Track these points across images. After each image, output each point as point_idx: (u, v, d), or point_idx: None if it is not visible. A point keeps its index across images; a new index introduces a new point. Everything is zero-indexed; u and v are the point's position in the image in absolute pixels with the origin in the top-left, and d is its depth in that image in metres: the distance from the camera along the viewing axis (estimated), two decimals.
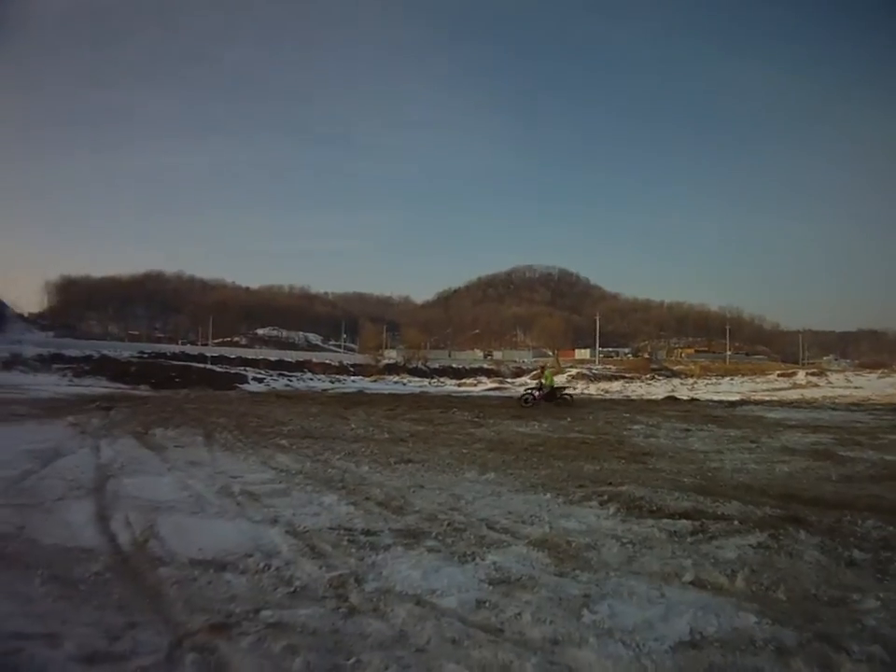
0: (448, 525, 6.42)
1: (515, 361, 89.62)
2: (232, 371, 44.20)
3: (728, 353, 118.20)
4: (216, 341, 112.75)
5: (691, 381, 59.25)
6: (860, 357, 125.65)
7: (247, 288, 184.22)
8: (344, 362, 66.12)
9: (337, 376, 52.84)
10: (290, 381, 43.90)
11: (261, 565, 5.05)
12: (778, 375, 63.61)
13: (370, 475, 9.22)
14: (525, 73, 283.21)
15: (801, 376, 58.58)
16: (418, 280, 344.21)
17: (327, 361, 64.53)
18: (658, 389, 43.20)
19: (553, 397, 25.23)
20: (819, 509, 7.27)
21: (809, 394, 36.62)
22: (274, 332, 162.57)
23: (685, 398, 32.59)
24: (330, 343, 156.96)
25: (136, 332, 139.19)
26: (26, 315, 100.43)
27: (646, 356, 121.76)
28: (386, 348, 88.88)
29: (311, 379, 47.33)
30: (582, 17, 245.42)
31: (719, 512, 7.07)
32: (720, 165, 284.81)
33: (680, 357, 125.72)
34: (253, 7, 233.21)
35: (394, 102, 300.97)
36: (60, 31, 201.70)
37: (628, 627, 3.97)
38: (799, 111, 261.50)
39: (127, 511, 6.64)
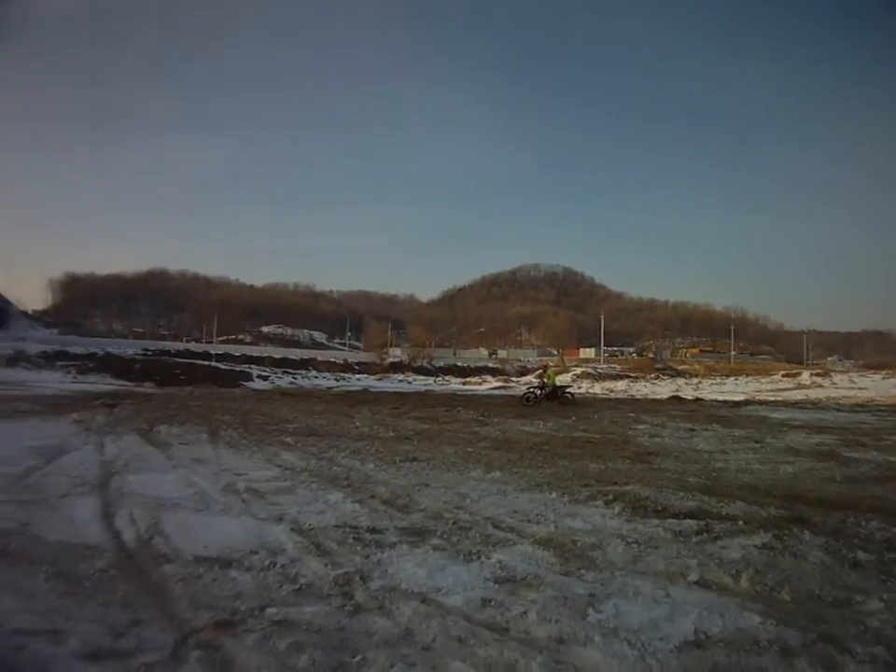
0: (453, 523, 6.42)
1: (520, 360, 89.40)
2: (237, 369, 44.38)
3: (732, 353, 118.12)
4: (220, 338, 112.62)
5: (695, 381, 59.44)
6: (864, 357, 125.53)
7: (252, 286, 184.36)
8: (349, 360, 66.11)
9: (342, 374, 53.03)
10: (295, 379, 44.08)
11: (266, 562, 5.04)
12: (783, 376, 63.70)
13: (375, 473, 9.22)
14: (528, 73, 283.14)
15: (805, 377, 58.64)
16: (423, 278, 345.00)
17: (332, 359, 64.51)
18: (663, 389, 43.29)
19: (555, 395, 25.27)
20: (823, 510, 7.26)
21: (813, 394, 36.62)
22: (279, 330, 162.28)
23: (690, 397, 32.64)
24: (335, 341, 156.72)
25: (141, 330, 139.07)
26: (30, 312, 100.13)
27: (650, 355, 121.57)
28: (391, 346, 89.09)
29: (316, 377, 47.51)
30: (583, 17, 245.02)
31: (723, 513, 7.06)
32: (720, 165, 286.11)
33: (685, 356, 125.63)
34: (255, 6, 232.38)
35: (397, 100, 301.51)
36: (61, 30, 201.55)
37: (633, 627, 3.97)
38: (800, 111, 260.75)
39: (131, 508, 6.63)
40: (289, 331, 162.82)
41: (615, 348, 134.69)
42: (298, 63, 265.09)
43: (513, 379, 54.92)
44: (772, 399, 32.77)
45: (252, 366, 48.57)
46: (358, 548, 5.52)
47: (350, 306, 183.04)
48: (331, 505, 7.12)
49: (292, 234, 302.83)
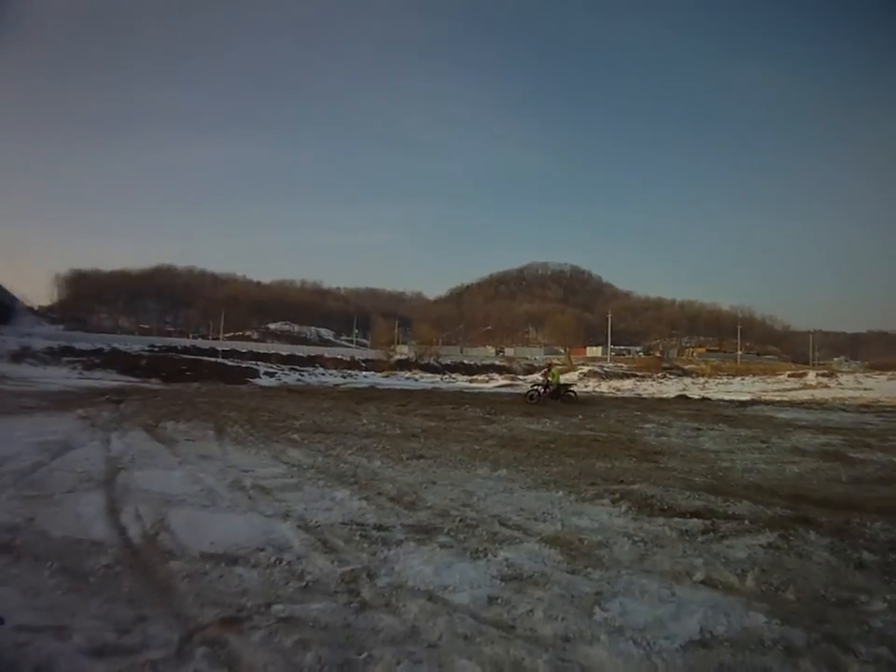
0: (460, 521, 6.44)
1: (527, 358, 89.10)
2: (244, 366, 44.40)
3: (739, 352, 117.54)
4: (227, 335, 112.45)
5: (702, 380, 59.18)
6: (870, 358, 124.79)
7: (259, 283, 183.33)
8: (356, 357, 65.94)
9: (349, 371, 52.84)
10: (302, 376, 43.99)
11: (273, 559, 5.07)
12: (789, 376, 63.36)
13: (382, 470, 9.25)
14: (533, 72, 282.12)
15: (811, 377, 58.33)
16: (431, 276, 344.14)
17: (338, 356, 64.32)
18: (669, 388, 43.13)
19: (558, 394, 25.31)
20: (828, 510, 7.27)
21: (819, 395, 36.43)
22: (286, 327, 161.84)
23: (696, 397, 32.51)
24: (342, 338, 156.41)
25: (147, 326, 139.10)
26: (36, 308, 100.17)
27: (657, 354, 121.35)
28: (398, 344, 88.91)
29: (322, 374, 47.36)
30: (583, 16, 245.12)
31: (729, 512, 7.08)
32: (723, 165, 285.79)
33: (692, 355, 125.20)
34: (258, 4, 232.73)
35: (402, 99, 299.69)
36: (69, 25, 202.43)
37: (639, 625, 3.99)
38: (800, 110, 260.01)
39: (137, 504, 6.66)
40: (296, 328, 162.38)
41: (622, 347, 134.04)
42: (300, 62, 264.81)
43: (520, 377, 54.70)
44: (778, 399, 32.66)
45: (259, 363, 48.52)
46: (365, 545, 5.54)
47: (357, 303, 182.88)
48: (338, 502, 7.14)
49: (300, 231, 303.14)
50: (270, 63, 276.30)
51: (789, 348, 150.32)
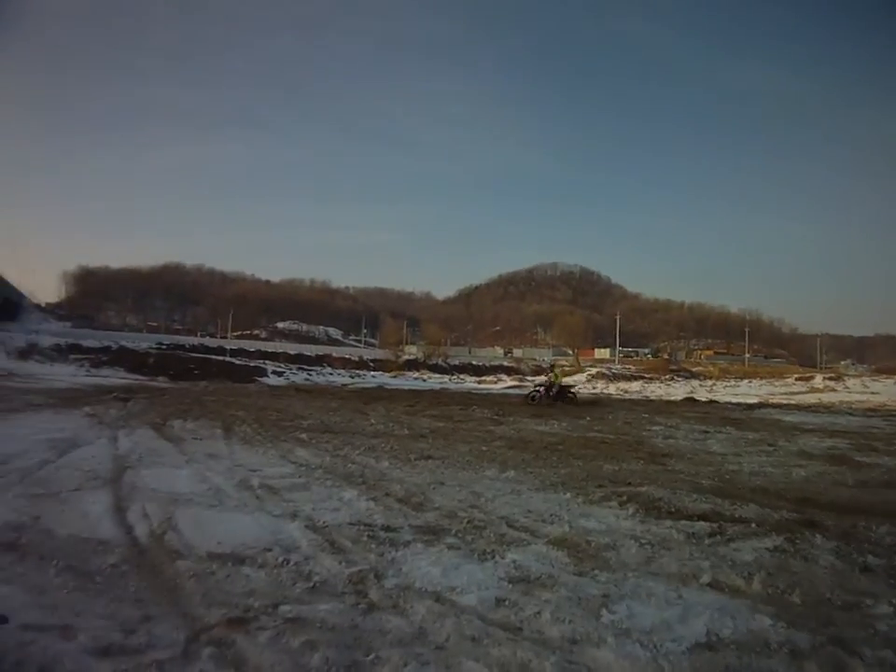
0: (468, 522, 6.46)
1: (535, 359, 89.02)
2: (252, 364, 44.31)
3: (747, 355, 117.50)
4: (235, 334, 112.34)
5: (709, 382, 59.01)
6: (877, 361, 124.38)
7: (268, 282, 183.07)
8: (364, 357, 65.90)
9: (357, 371, 52.74)
10: (310, 375, 43.92)
11: (280, 559, 5.09)
12: (796, 379, 63.21)
13: (389, 471, 9.27)
14: (533, 72, 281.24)
15: (818, 380, 58.19)
16: (440, 276, 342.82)
17: (347, 356, 64.26)
18: (677, 390, 42.99)
19: (562, 395, 25.32)
20: (834, 513, 7.29)
21: (826, 398, 36.31)
22: (295, 326, 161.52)
23: (704, 399, 32.41)
24: (351, 337, 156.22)
25: (155, 324, 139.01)
26: (43, 305, 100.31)
27: (665, 356, 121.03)
28: (407, 344, 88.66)
29: (331, 373, 47.25)
30: (585, 16, 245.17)
31: (736, 515, 7.10)
32: (720, 166, 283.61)
33: (700, 358, 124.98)
34: (267, 2, 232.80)
35: (401, 100, 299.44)
36: (70, 24, 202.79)
37: (646, 628, 4.01)
38: (802, 110, 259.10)
39: (144, 503, 6.69)
40: (305, 327, 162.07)
41: (630, 349, 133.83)
42: (304, 60, 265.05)
43: (528, 378, 54.48)
44: (785, 402, 32.57)
45: (267, 362, 48.49)
46: (373, 546, 5.56)
47: (366, 303, 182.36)
48: (346, 502, 7.16)
49: (309, 230, 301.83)
50: (276, 64, 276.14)
51: (796, 351, 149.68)
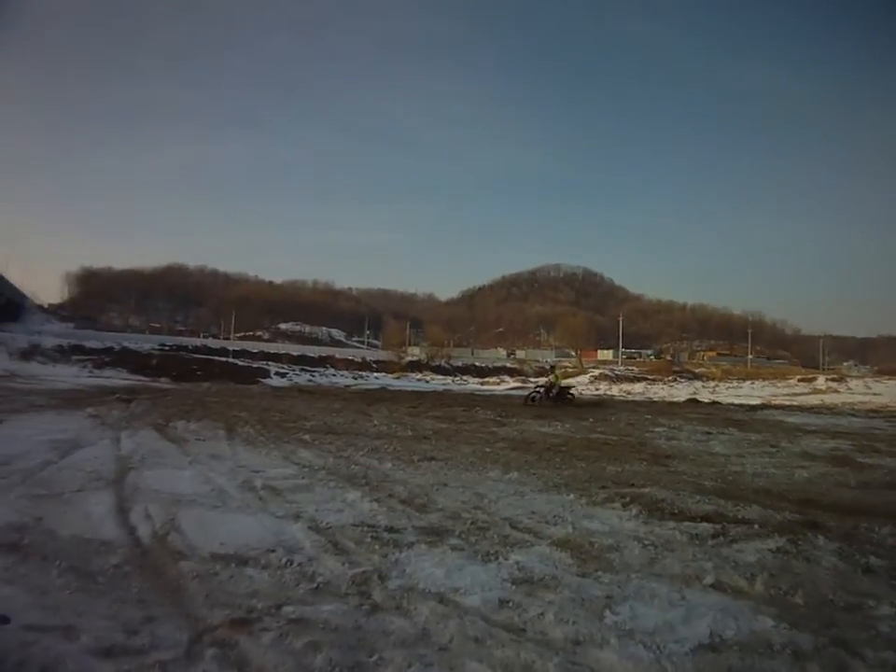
0: (471, 523, 6.47)
1: (538, 361, 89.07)
2: (255, 366, 44.45)
3: (749, 357, 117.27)
4: (238, 335, 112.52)
5: (712, 384, 59.06)
6: (879, 363, 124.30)
7: (271, 283, 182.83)
8: (367, 358, 65.94)
9: (360, 372, 52.79)
10: (313, 376, 43.97)
11: (284, 560, 5.08)
12: (799, 380, 63.22)
13: (393, 472, 9.27)
14: (533, 72, 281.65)
15: (821, 381, 58.03)
16: (443, 278, 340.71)
17: (350, 357, 64.27)
18: (680, 392, 42.95)
19: (562, 396, 25.41)
20: (837, 515, 7.29)
21: (829, 399, 36.26)
22: (297, 327, 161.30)
23: (706, 400, 32.40)
24: (354, 339, 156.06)
25: (158, 325, 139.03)
26: (46, 305, 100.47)
27: (668, 358, 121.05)
28: (410, 345, 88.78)
29: (334, 375, 47.34)
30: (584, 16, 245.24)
31: (739, 516, 7.10)
32: (720, 166, 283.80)
33: (702, 359, 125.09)
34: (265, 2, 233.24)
35: (401, 100, 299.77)
36: (70, 23, 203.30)
37: (649, 629, 4.02)
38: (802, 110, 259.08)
39: (147, 504, 6.68)
40: (308, 329, 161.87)
41: (633, 350, 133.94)
42: (303, 60, 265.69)
43: (531, 379, 54.53)
44: (788, 403, 32.55)
45: (270, 363, 48.56)
46: (376, 547, 5.56)
47: (369, 304, 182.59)
48: (349, 503, 7.16)
49: (309, 230, 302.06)
50: (270, 63, 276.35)
51: (799, 352, 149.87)
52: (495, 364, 77.52)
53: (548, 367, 47.37)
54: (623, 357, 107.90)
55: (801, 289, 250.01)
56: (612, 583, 4.83)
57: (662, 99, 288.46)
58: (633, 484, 8.82)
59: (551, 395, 25.07)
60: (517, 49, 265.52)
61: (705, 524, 6.69)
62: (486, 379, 56.67)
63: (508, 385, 48.86)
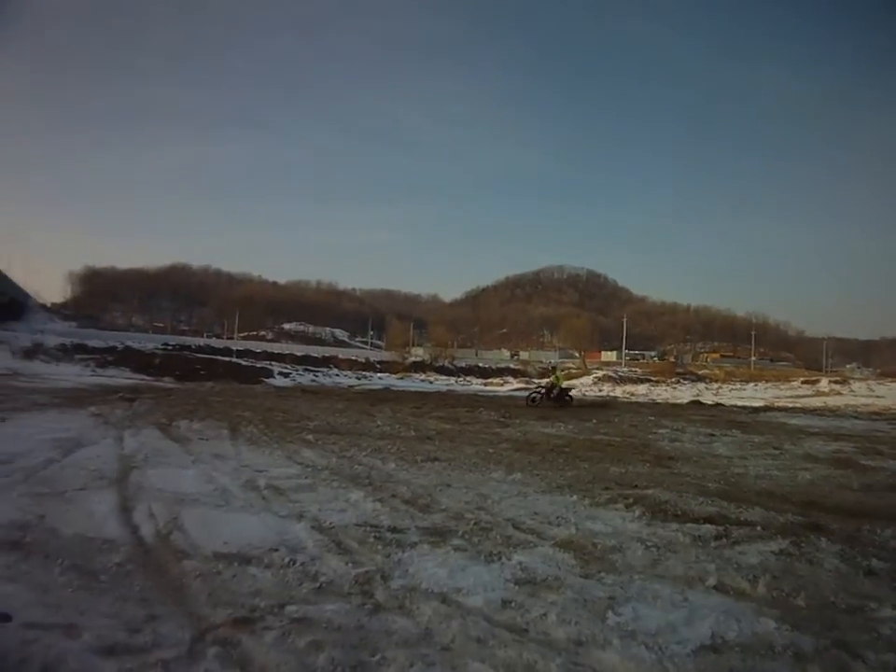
0: (474, 524, 6.47)
1: (542, 362, 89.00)
2: (258, 366, 44.52)
3: (753, 358, 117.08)
4: (241, 334, 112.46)
5: (715, 385, 59.22)
6: (882, 365, 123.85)
7: (275, 283, 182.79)
8: (371, 359, 66.15)
9: (363, 373, 52.97)
10: (316, 376, 44.08)
11: (287, 559, 5.08)
12: (802, 382, 62.93)
13: (396, 472, 9.27)
14: (533, 72, 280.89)
15: (824, 384, 57.90)
16: (447, 278, 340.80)
17: (353, 358, 64.49)
18: (683, 393, 42.93)
19: (560, 397, 25.45)
20: (839, 517, 7.29)
21: (832, 402, 36.19)
22: (301, 327, 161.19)
23: (710, 402, 32.37)
24: (357, 339, 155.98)
25: (161, 324, 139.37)
26: (49, 304, 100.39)
27: (672, 359, 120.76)
28: (413, 346, 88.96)
29: (337, 375, 47.46)
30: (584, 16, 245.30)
31: (742, 518, 7.09)
32: (726, 168, 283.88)
33: (706, 361, 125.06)
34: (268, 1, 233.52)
35: (401, 100, 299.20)
36: (70, 23, 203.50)
37: (651, 630, 4.02)
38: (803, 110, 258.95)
39: (150, 503, 6.68)
40: (311, 329, 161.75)
41: (636, 352, 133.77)
42: (304, 60, 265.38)
43: (535, 380, 54.57)
44: (791, 405, 32.50)
45: (273, 363, 48.71)
46: (379, 547, 5.56)
47: (373, 305, 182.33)
48: (352, 503, 7.16)
49: (310, 230, 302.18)
50: (270, 63, 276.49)
51: (802, 354, 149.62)
52: (498, 365, 77.72)
53: (549, 368, 47.41)
54: (627, 358, 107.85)
55: (803, 291, 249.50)
56: (615, 584, 4.83)
57: (662, 99, 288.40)
58: (636, 486, 8.81)
59: (552, 395, 25.10)
60: (517, 49, 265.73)
61: (708, 525, 6.69)
62: (490, 380, 56.93)
63: (511, 385, 48.96)
